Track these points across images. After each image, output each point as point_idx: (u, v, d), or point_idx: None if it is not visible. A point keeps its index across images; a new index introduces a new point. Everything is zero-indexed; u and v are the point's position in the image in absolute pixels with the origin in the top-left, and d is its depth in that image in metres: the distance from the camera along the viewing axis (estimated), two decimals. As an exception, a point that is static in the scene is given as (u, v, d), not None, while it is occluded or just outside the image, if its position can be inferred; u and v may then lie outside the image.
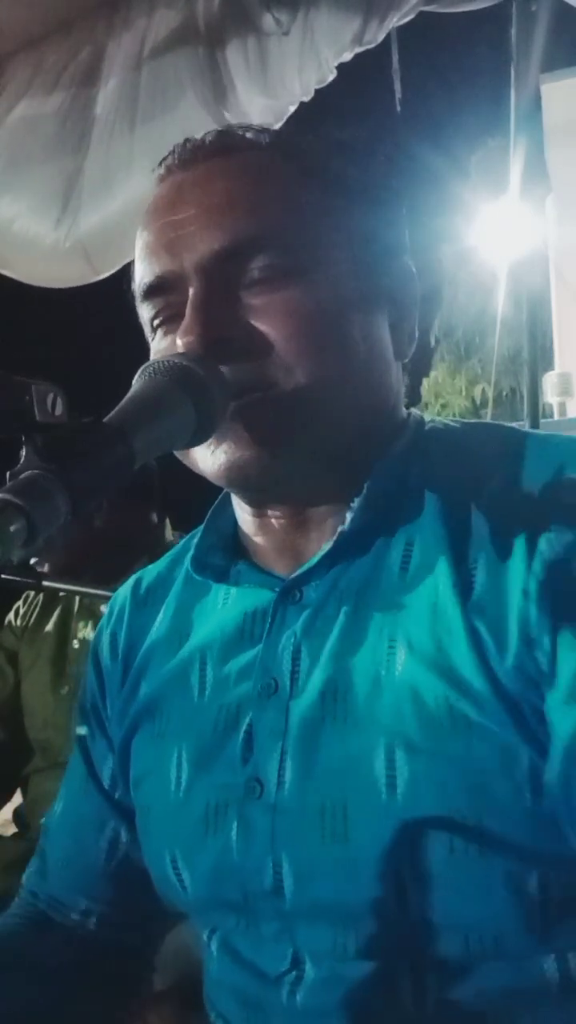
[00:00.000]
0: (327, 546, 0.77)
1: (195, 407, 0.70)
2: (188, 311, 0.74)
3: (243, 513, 0.83)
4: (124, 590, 0.97)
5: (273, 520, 0.81)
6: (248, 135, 0.79)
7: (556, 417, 4.48)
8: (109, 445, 0.64)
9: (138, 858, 0.88)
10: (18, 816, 2.03)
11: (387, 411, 0.80)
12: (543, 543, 0.69)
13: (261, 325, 0.73)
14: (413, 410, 0.85)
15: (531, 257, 3.95)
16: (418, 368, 0.87)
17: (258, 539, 0.82)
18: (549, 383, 4.53)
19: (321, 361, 0.74)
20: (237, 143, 0.78)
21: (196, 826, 0.78)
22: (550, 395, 4.56)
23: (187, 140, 0.79)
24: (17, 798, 2.11)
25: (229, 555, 0.84)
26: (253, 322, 0.74)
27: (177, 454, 0.79)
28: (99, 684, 0.94)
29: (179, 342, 0.74)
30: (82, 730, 0.96)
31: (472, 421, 0.85)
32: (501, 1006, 0.69)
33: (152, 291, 0.77)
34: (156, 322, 0.78)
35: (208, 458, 0.76)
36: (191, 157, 0.78)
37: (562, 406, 4.60)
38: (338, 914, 0.71)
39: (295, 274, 0.74)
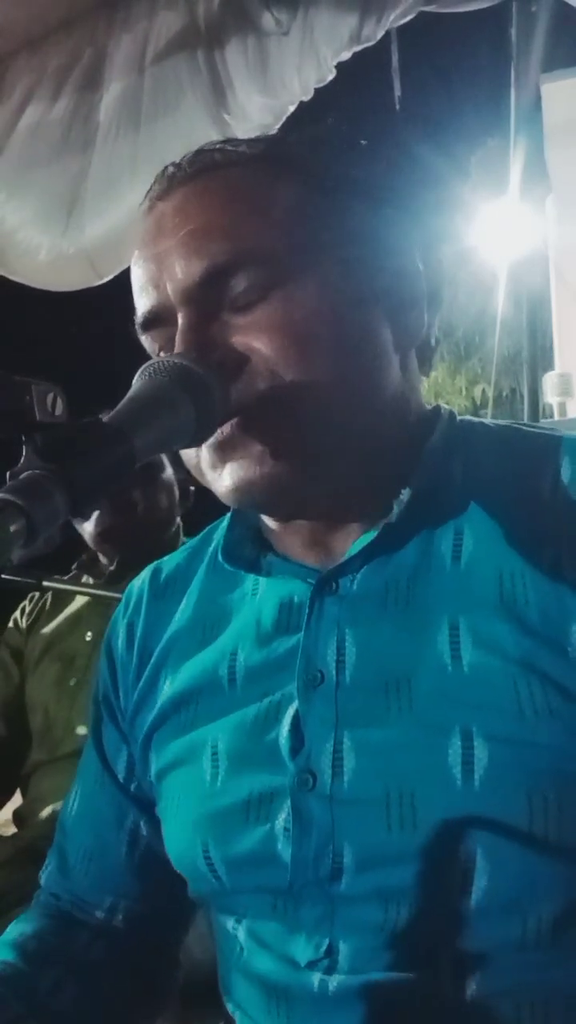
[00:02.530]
0: (367, 538, 0.77)
1: (195, 407, 0.70)
2: (176, 341, 0.75)
3: (265, 517, 0.83)
4: (141, 580, 0.97)
5: (297, 524, 0.81)
6: (223, 151, 0.79)
7: (556, 417, 4.47)
8: (109, 445, 0.64)
9: (160, 849, 0.88)
10: (18, 816, 2.04)
11: (400, 405, 0.80)
12: None
13: (249, 343, 0.74)
14: (441, 404, 0.85)
15: (531, 257, 3.95)
16: (420, 367, 0.86)
17: (284, 536, 0.83)
18: (549, 383, 4.52)
19: (311, 368, 0.74)
20: (213, 162, 0.78)
21: (235, 816, 0.78)
22: (550, 395, 4.55)
23: (167, 167, 0.80)
24: (17, 799, 2.11)
25: (257, 546, 0.85)
26: (240, 341, 0.74)
27: (194, 474, 0.80)
28: (112, 676, 0.94)
29: None
30: (95, 723, 0.96)
31: (507, 422, 0.86)
32: (542, 997, 0.70)
33: (147, 325, 0.79)
34: (159, 354, 0.79)
35: (216, 480, 0.77)
36: (168, 185, 0.78)
37: (562, 406, 4.59)
38: (392, 897, 0.71)
39: (279, 286, 0.74)
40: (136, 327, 0.80)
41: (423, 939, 0.71)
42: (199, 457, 0.78)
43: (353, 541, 0.79)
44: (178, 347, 0.75)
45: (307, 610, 0.79)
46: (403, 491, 0.76)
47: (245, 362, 0.74)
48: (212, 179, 0.77)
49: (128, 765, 0.92)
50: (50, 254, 2.77)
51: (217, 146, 0.80)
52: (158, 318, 0.77)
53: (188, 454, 0.79)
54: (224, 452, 0.75)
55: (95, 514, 2.00)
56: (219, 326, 0.75)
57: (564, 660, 0.70)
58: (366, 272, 0.78)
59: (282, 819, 0.75)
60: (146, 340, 0.80)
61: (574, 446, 0.78)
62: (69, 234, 2.70)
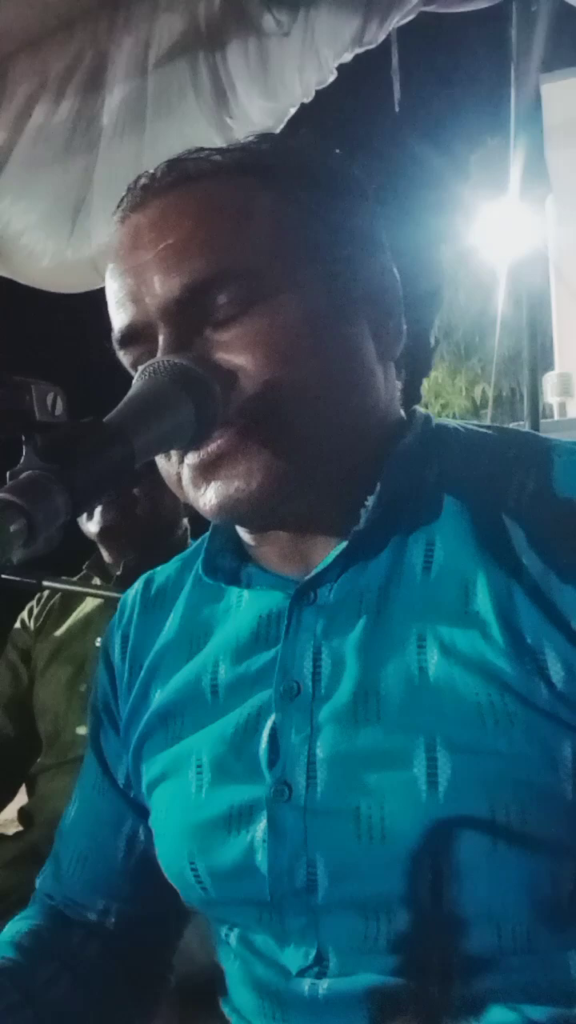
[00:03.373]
0: (340, 547, 0.77)
1: (195, 407, 0.70)
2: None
3: (241, 530, 0.83)
4: (134, 590, 0.97)
5: (273, 534, 0.81)
6: (197, 160, 0.78)
7: (556, 417, 4.48)
8: (109, 445, 0.64)
9: (156, 856, 0.89)
10: (24, 814, 2.04)
11: (378, 415, 0.80)
12: None
13: (231, 360, 0.73)
14: (417, 408, 0.84)
15: (531, 257, 3.95)
16: (418, 368, 0.86)
17: (261, 548, 0.82)
18: (549, 383, 4.53)
19: (293, 383, 0.73)
20: (189, 172, 0.77)
21: (218, 828, 0.78)
22: (550, 395, 4.56)
23: (139, 177, 0.79)
24: (22, 798, 2.11)
25: (237, 557, 0.84)
26: (223, 358, 0.73)
27: (173, 490, 0.79)
28: (111, 683, 0.94)
29: None
30: (94, 729, 0.96)
31: (488, 425, 0.85)
32: (526, 1000, 0.70)
33: (125, 341, 0.77)
34: (136, 369, 0.77)
35: (199, 499, 0.76)
36: (143, 196, 0.77)
37: (562, 406, 4.60)
38: (371, 909, 0.72)
39: (260, 300, 0.73)
40: (113, 343, 0.79)
41: (407, 947, 0.71)
42: (179, 474, 0.77)
43: (331, 550, 0.78)
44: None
45: (285, 621, 0.79)
46: (369, 497, 0.76)
47: (228, 379, 0.73)
48: (188, 191, 0.76)
49: (127, 771, 0.92)
50: (55, 258, 2.78)
51: (191, 156, 0.79)
52: (137, 334, 0.76)
53: (167, 470, 0.79)
54: (208, 471, 0.74)
55: (96, 512, 2.00)
56: (200, 343, 0.74)
57: (526, 670, 0.69)
58: (346, 282, 0.77)
59: (261, 830, 0.75)
60: (123, 355, 0.79)
61: (568, 452, 0.77)
62: (75, 238, 2.71)
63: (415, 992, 0.71)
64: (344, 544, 0.76)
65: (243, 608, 0.84)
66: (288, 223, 0.76)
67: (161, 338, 0.75)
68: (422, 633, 0.73)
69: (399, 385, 0.83)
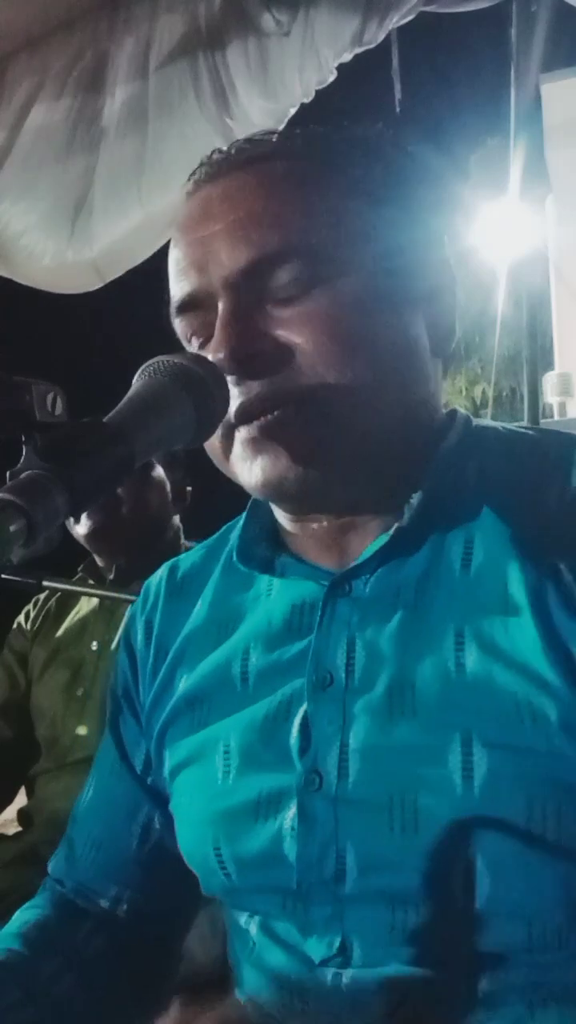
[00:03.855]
0: (380, 541, 0.77)
1: (195, 407, 0.70)
2: (217, 328, 0.75)
3: (281, 515, 0.84)
4: (158, 577, 0.97)
5: (314, 524, 0.81)
6: (274, 141, 0.79)
7: (556, 417, 4.47)
8: (109, 445, 0.64)
9: (171, 845, 0.88)
10: (23, 815, 2.04)
11: (427, 411, 0.81)
12: None
13: (290, 337, 0.74)
14: (457, 408, 0.85)
15: (531, 257, 3.95)
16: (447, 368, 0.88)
17: (300, 536, 0.83)
18: (549, 383, 4.52)
19: (351, 368, 0.74)
20: (263, 152, 0.78)
21: (245, 814, 0.78)
22: (550, 395, 4.55)
23: (214, 152, 0.80)
24: (21, 798, 2.11)
25: (272, 546, 0.85)
26: (282, 334, 0.74)
27: (217, 464, 0.80)
28: (132, 669, 0.95)
29: (210, 359, 0.74)
30: (113, 715, 0.96)
31: (528, 426, 0.86)
32: (551, 997, 0.70)
33: (184, 308, 0.78)
34: (191, 338, 0.79)
35: (246, 472, 0.77)
36: (217, 170, 0.78)
37: (562, 406, 4.59)
38: (399, 900, 0.72)
39: (323, 282, 0.74)
40: (171, 309, 0.80)
41: (433, 939, 0.71)
42: (229, 449, 0.78)
43: (368, 544, 0.79)
44: (218, 333, 0.75)
45: (319, 612, 0.80)
46: (414, 495, 0.76)
47: (286, 355, 0.74)
48: (261, 168, 0.77)
49: (146, 759, 0.93)
50: (55, 259, 2.77)
51: (265, 135, 0.80)
52: (196, 302, 0.77)
53: (212, 444, 0.79)
54: (258, 445, 0.75)
55: (83, 515, 1.97)
56: (261, 316, 0.75)
57: (562, 671, 0.69)
58: (406, 278, 0.78)
59: (290, 818, 0.76)
60: (179, 323, 0.80)
61: None
62: (75, 239, 2.70)
63: (439, 984, 0.71)
64: (385, 538, 0.77)
65: (274, 596, 0.84)
66: (355, 209, 0.77)
67: (221, 306, 0.75)
68: (460, 629, 0.73)
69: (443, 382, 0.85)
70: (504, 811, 0.68)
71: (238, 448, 0.77)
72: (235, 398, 0.74)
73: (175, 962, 0.98)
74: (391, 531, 0.77)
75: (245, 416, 0.75)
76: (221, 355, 0.74)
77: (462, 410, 0.85)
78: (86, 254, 2.70)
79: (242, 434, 0.76)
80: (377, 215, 0.78)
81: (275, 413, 0.74)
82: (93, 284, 2.79)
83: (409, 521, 0.76)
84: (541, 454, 0.80)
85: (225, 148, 0.80)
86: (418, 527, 0.77)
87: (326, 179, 0.77)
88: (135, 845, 0.92)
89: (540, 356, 4.38)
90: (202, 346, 0.78)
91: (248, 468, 0.76)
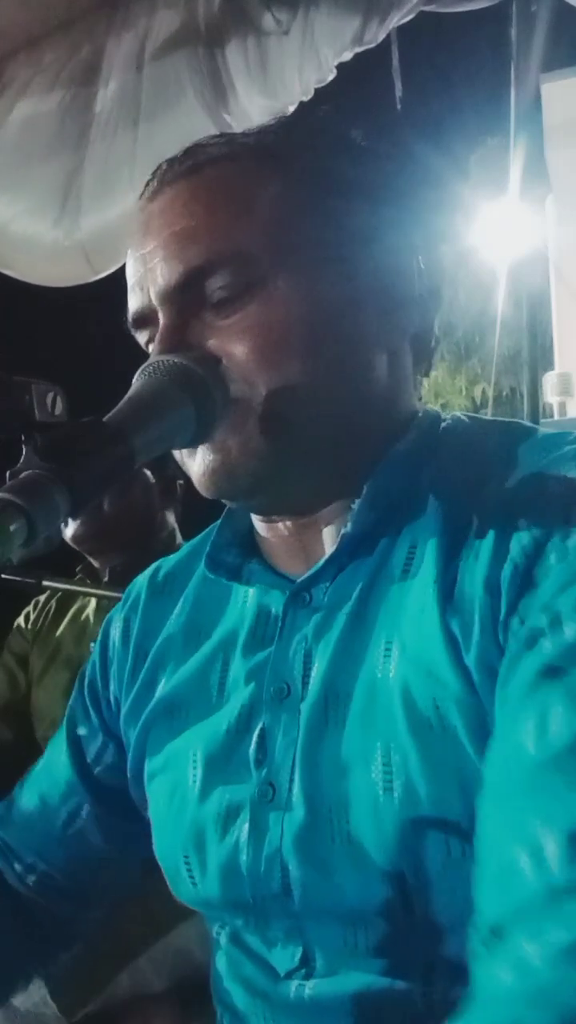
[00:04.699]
0: (332, 548, 0.77)
1: (195, 406, 0.70)
2: (155, 341, 0.76)
3: (253, 516, 0.83)
4: (143, 576, 0.97)
5: (280, 524, 0.81)
6: (207, 148, 0.78)
7: (556, 417, 4.47)
8: (109, 444, 0.64)
9: (93, 836, 0.93)
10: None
11: (382, 408, 0.79)
12: (515, 538, 0.68)
13: (223, 345, 0.74)
14: (429, 407, 0.83)
15: (531, 257, 3.95)
16: (420, 367, 0.86)
17: (269, 539, 0.82)
18: (549, 383, 4.52)
19: (285, 375, 0.73)
20: (200, 160, 0.78)
21: (210, 827, 0.78)
22: (550, 395, 4.55)
23: (160, 165, 0.80)
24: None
25: (244, 552, 0.84)
26: (217, 344, 0.74)
27: (180, 463, 0.80)
28: (103, 666, 0.95)
29: None
30: (75, 700, 0.98)
31: (493, 419, 0.84)
32: None
33: (135, 324, 0.80)
34: (148, 350, 0.80)
35: (191, 467, 0.77)
36: (158, 186, 0.79)
37: (562, 406, 4.59)
38: (347, 915, 0.71)
39: (256, 286, 0.74)
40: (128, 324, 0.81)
41: (388, 951, 0.71)
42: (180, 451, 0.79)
43: (328, 549, 0.78)
44: (155, 347, 0.75)
45: (279, 622, 0.79)
46: (355, 501, 0.76)
47: (219, 364, 0.74)
48: (197, 178, 0.77)
49: (99, 751, 0.94)
50: (44, 248, 2.76)
51: (206, 142, 0.79)
52: (144, 319, 0.78)
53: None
54: (206, 445, 0.76)
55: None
56: (199, 327, 0.75)
57: (466, 672, 0.67)
58: (349, 272, 0.76)
59: (245, 831, 0.76)
60: (138, 336, 0.81)
61: (537, 439, 0.76)
62: (62, 226, 2.69)
63: (400, 994, 0.71)
64: (336, 546, 0.76)
65: (248, 604, 0.84)
66: (290, 210, 0.76)
67: (160, 322, 0.76)
68: (390, 637, 0.73)
69: (418, 378, 0.83)
70: (424, 823, 0.67)
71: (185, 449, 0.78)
72: None
73: (69, 943, 1.01)
74: (339, 539, 0.76)
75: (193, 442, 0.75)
76: None
77: (432, 409, 0.83)
78: (75, 238, 2.68)
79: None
80: (315, 213, 0.76)
81: (222, 417, 0.74)
82: (86, 276, 2.77)
83: (353, 527, 0.75)
84: (486, 450, 0.77)
85: (170, 159, 0.80)
86: (366, 533, 0.76)
87: (259, 180, 0.76)
88: (59, 825, 0.95)
89: (540, 356, 4.38)
90: None
91: (192, 462, 0.77)
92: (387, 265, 0.78)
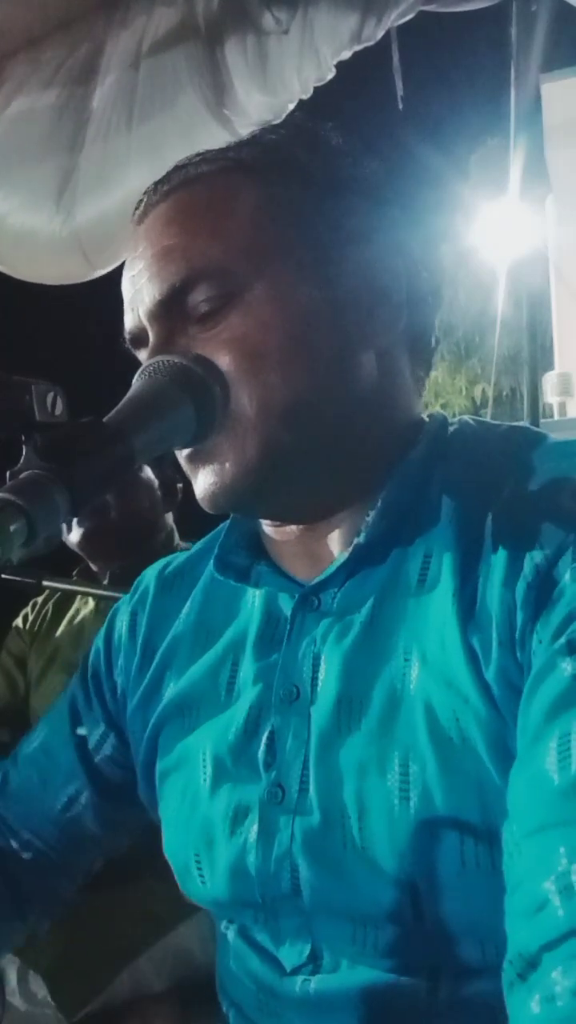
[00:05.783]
0: (343, 556, 0.77)
1: (195, 407, 0.70)
2: (146, 359, 0.76)
3: (263, 524, 0.84)
4: (152, 570, 0.97)
5: (287, 528, 0.81)
6: (194, 165, 0.79)
7: (556, 417, 4.48)
8: (109, 444, 0.64)
9: (88, 821, 0.95)
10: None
11: (379, 409, 0.78)
12: (528, 556, 0.68)
13: (210, 356, 0.74)
14: (436, 411, 0.83)
15: (531, 257, 3.95)
16: (419, 367, 0.85)
17: (277, 541, 0.83)
18: (549, 383, 4.53)
19: (265, 376, 0.73)
20: (184, 178, 0.78)
21: (220, 826, 0.79)
22: (550, 395, 4.56)
23: (148, 188, 0.81)
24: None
25: (252, 554, 0.84)
26: (204, 355, 0.74)
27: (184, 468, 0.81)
28: (107, 655, 0.95)
29: None
30: (76, 685, 0.98)
31: (499, 423, 0.83)
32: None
33: (131, 343, 0.81)
34: None
35: (195, 487, 0.78)
36: (145, 209, 0.80)
37: (562, 406, 4.60)
38: (357, 915, 0.72)
39: (235, 296, 0.74)
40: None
41: (395, 952, 0.71)
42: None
43: (338, 554, 0.78)
44: (145, 364, 0.76)
45: (288, 624, 0.80)
46: (372, 510, 0.76)
47: (215, 367, 0.74)
48: (180, 197, 0.78)
49: (99, 741, 0.95)
50: (40, 244, 2.75)
51: (190, 160, 0.80)
52: (137, 337, 0.79)
53: (180, 459, 0.80)
54: (194, 462, 0.76)
55: (73, 522, 1.95)
56: (185, 341, 0.75)
57: (489, 690, 0.68)
58: (329, 274, 0.76)
59: (254, 832, 0.76)
60: (137, 354, 0.82)
61: (552, 447, 0.75)
62: (59, 224, 2.68)
63: (406, 991, 0.71)
64: (347, 554, 0.77)
65: (257, 606, 0.84)
66: (266, 220, 0.76)
67: (150, 340, 0.77)
68: (408, 647, 0.73)
69: (420, 379, 0.83)
70: (439, 832, 0.68)
71: (184, 464, 0.78)
72: None
73: (51, 913, 1.03)
74: (351, 547, 0.76)
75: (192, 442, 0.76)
76: None
77: (440, 413, 0.83)
78: (71, 231, 2.68)
79: (181, 454, 0.77)
80: (296, 222, 0.76)
81: (210, 431, 0.74)
82: (83, 273, 2.77)
83: (366, 537, 0.76)
84: (497, 457, 0.77)
85: (157, 180, 0.80)
86: (378, 542, 0.76)
87: (237, 194, 0.76)
88: (58, 808, 0.96)
89: (540, 356, 4.38)
90: None
91: (194, 482, 0.78)
92: (369, 264, 0.77)
